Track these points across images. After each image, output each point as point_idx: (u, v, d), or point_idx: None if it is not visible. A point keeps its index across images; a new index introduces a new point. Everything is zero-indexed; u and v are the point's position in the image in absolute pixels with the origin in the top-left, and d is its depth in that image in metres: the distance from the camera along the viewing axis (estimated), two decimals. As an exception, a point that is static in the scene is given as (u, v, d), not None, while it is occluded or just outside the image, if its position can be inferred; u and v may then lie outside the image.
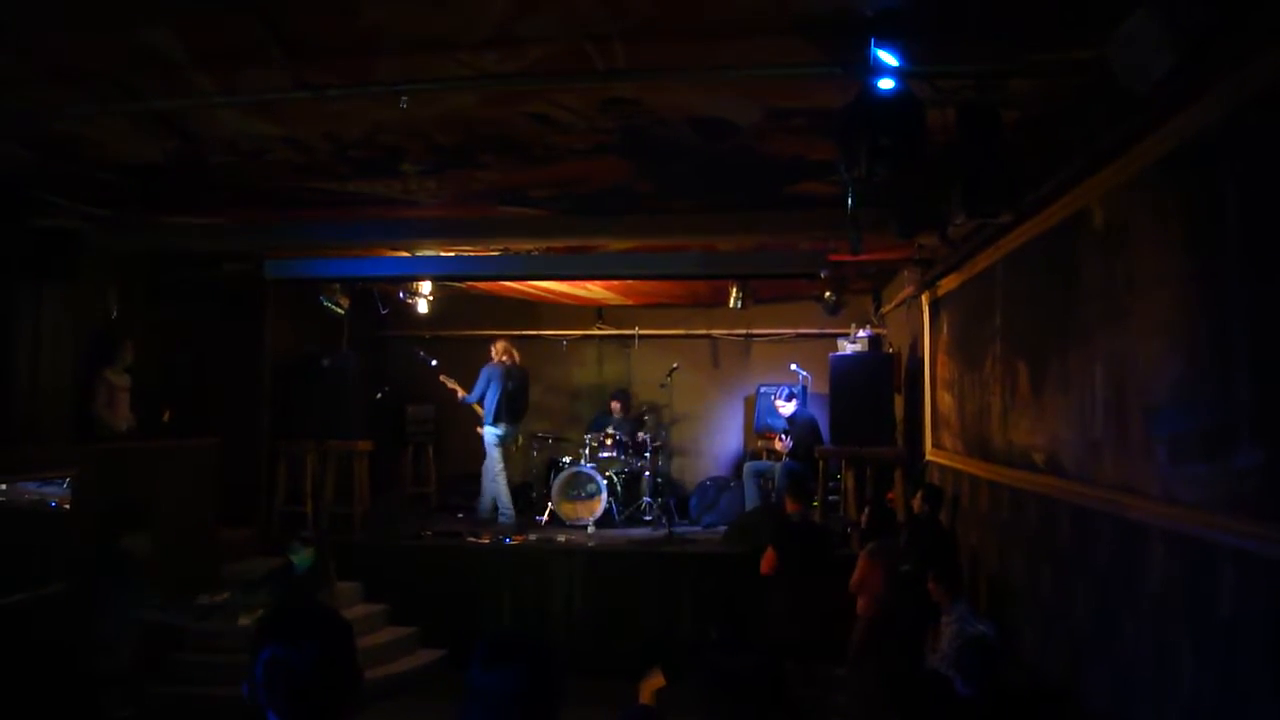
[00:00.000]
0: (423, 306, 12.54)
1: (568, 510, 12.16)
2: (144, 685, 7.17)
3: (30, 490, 7.78)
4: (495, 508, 12.42)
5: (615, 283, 12.09)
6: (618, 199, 8.30)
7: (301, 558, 8.19)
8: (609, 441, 12.80)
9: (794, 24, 4.75)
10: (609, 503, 12.24)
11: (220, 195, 8.40)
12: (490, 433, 12.35)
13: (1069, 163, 5.68)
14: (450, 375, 12.83)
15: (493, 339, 12.73)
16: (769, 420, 12.96)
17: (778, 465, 12.01)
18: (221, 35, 5.05)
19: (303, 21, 4.89)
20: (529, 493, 13.41)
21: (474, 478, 13.75)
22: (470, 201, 8.48)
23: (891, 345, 12.59)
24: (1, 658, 6.96)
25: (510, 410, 12.43)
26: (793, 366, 12.82)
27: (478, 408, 12.42)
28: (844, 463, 11.24)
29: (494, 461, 12.40)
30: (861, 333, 12.23)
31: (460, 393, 12.64)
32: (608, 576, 10.61)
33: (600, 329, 14.73)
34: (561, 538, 11.44)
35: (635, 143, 6.75)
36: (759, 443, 13.45)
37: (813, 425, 11.99)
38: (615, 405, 13.71)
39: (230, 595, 7.87)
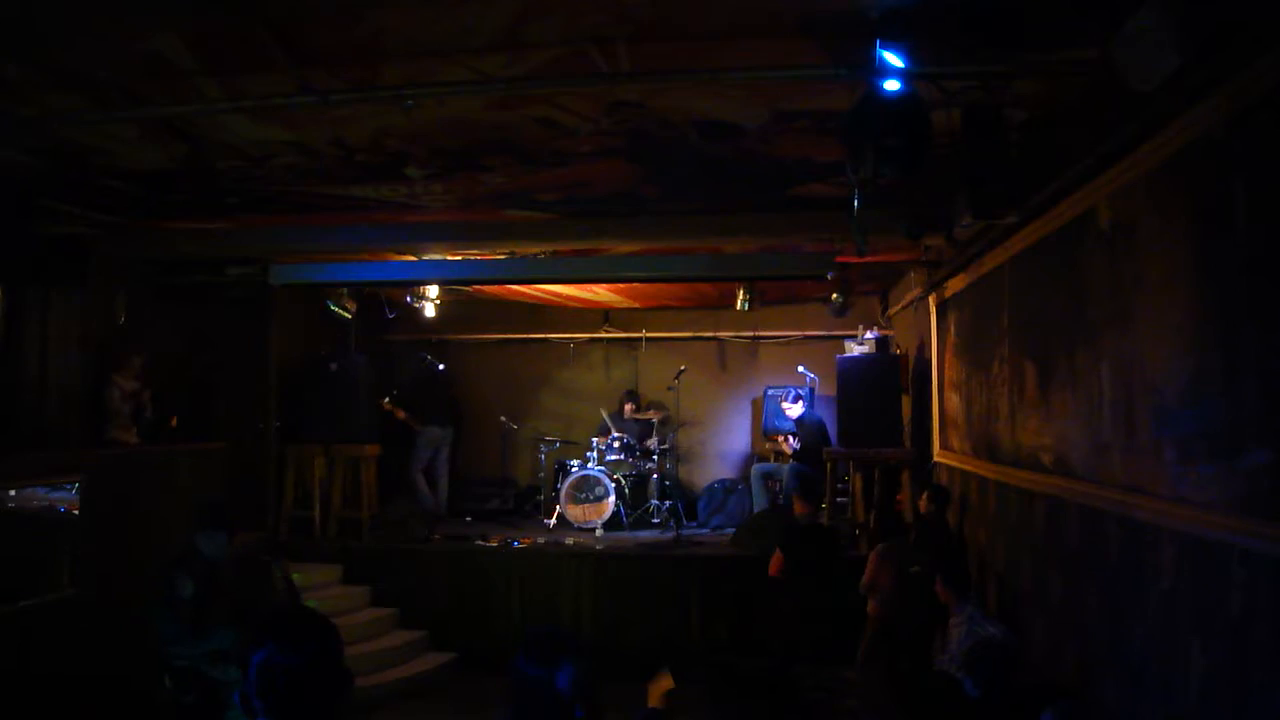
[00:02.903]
0: (429, 310, 12.54)
1: (576, 513, 12.17)
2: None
3: (40, 495, 7.80)
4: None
5: (622, 286, 12.10)
6: (624, 202, 8.30)
7: (216, 545, 6.48)
8: (617, 444, 12.82)
9: (799, 26, 4.75)
10: (617, 505, 12.26)
11: (227, 201, 8.42)
12: None
13: (1075, 163, 5.67)
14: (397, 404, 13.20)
15: (499, 343, 12.75)
16: (776, 422, 12.95)
17: (785, 467, 12.01)
18: (228, 42, 5.07)
19: (308, 27, 4.90)
20: (536, 495, 13.42)
21: (484, 480, 13.84)
22: (476, 205, 8.49)
23: (899, 347, 12.57)
24: (12, 662, 6.98)
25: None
26: (800, 368, 12.82)
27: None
28: (852, 465, 11.23)
29: None
30: (869, 334, 12.20)
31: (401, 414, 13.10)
32: (616, 579, 10.61)
33: (607, 332, 14.72)
34: (570, 541, 11.45)
35: (641, 146, 6.75)
36: (767, 445, 13.45)
37: (821, 427, 11.99)
38: (628, 407, 13.73)
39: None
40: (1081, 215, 5.93)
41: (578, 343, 14.78)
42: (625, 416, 13.66)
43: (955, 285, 9.56)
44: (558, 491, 12.49)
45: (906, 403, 11.87)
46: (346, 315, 11.35)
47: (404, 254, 10.24)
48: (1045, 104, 5.68)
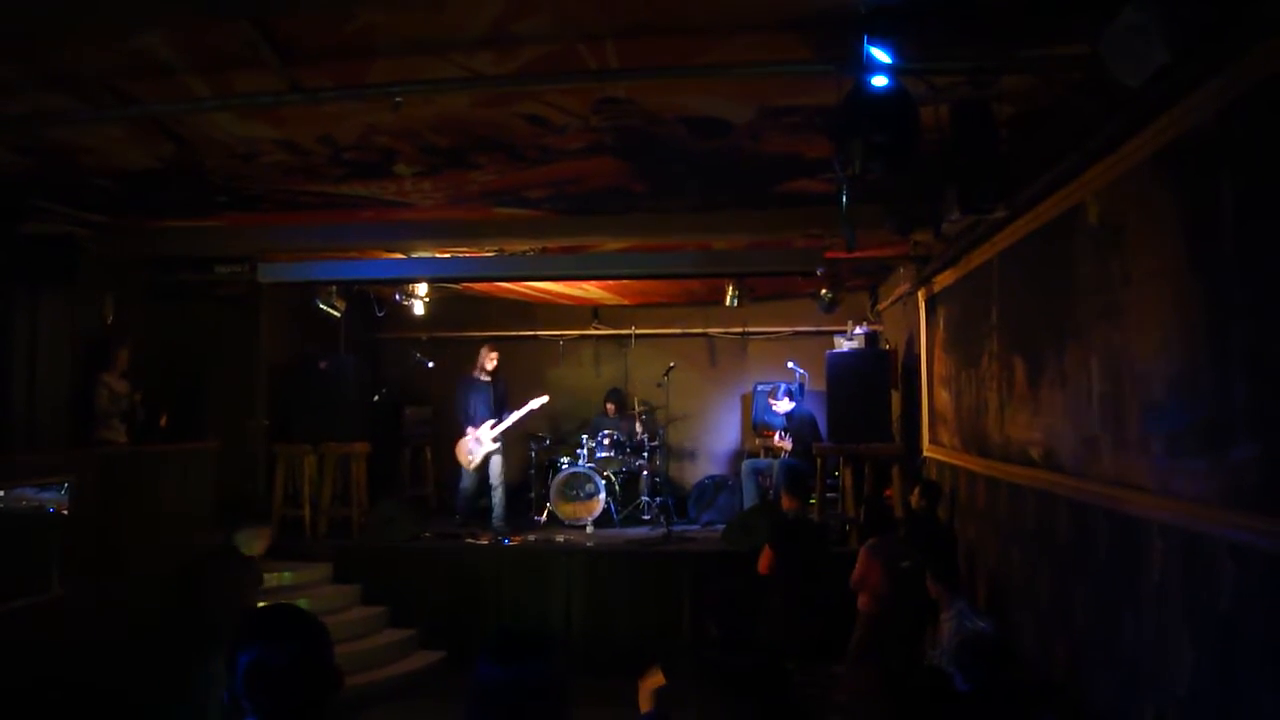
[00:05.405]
0: (419, 308, 12.54)
1: (566, 510, 12.16)
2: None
3: (28, 496, 7.78)
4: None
5: (611, 282, 12.09)
6: (613, 199, 8.30)
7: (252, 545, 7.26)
8: (607, 441, 12.81)
9: (787, 21, 4.75)
10: (607, 502, 12.25)
11: (215, 200, 8.40)
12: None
13: (1063, 158, 5.68)
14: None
15: (489, 340, 12.71)
16: (766, 418, 12.95)
17: (776, 463, 12.00)
18: (215, 39, 5.05)
19: (296, 25, 4.88)
20: (527, 493, 13.40)
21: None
22: (465, 202, 8.47)
23: (888, 342, 12.59)
24: (1, 664, 6.96)
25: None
26: (789, 364, 12.81)
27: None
28: (841, 460, 11.24)
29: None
30: (858, 329, 12.21)
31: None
32: (606, 576, 10.61)
33: (597, 329, 14.74)
34: (560, 538, 11.45)
35: (629, 142, 6.75)
36: (757, 441, 13.45)
37: (812, 421, 11.99)
38: (610, 407, 13.73)
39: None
40: (1070, 210, 5.95)
41: (567, 340, 14.80)
42: (609, 415, 13.67)
43: (944, 280, 9.58)
44: (548, 489, 12.49)
45: (896, 398, 11.90)
46: (336, 313, 11.33)
47: (393, 252, 10.23)
48: (1034, 99, 5.68)
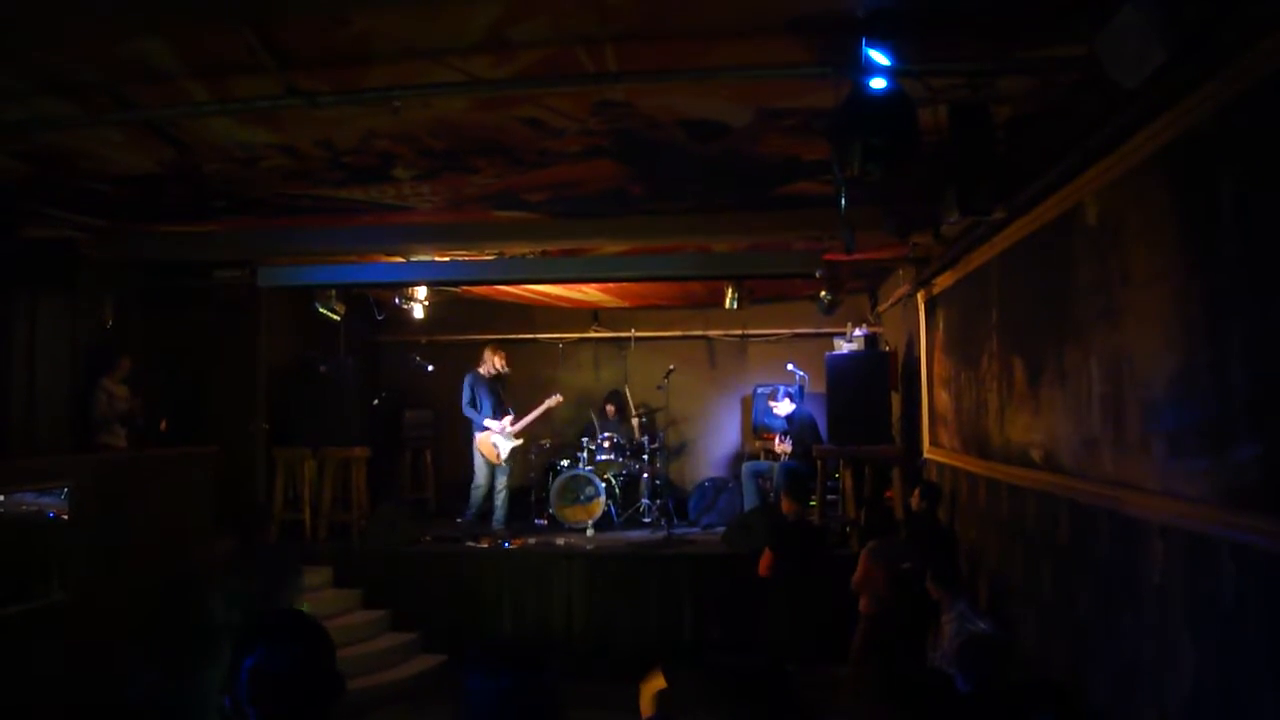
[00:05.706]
0: (418, 311, 12.52)
1: (566, 514, 12.17)
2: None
3: (28, 501, 7.77)
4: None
5: (611, 285, 12.09)
6: (611, 202, 8.29)
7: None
8: (607, 444, 12.81)
9: (785, 24, 4.75)
10: (608, 505, 12.25)
11: (214, 204, 8.40)
12: None
13: (1062, 159, 5.68)
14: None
15: (489, 343, 12.68)
16: (767, 420, 12.95)
17: (776, 465, 12.00)
18: (213, 44, 5.05)
19: (294, 29, 4.88)
20: (528, 496, 13.40)
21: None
22: (464, 206, 8.47)
23: (888, 344, 12.59)
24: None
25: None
26: (789, 366, 12.81)
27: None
28: (842, 462, 11.24)
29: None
30: (858, 331, 12.22)
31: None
32: (607, 579, 10.60)
33: (596, 331, 14.72)
34: (560, 541, 11.44)
35: (628, 145, 6.74)
36: (757, 443, 13.44)
37: (812, 424, 11.99)
38: (610, 410, 13.73)
39: None
40: (1069, 211, 5.95)
41: (567, 343, 14.77)
42: (609, 417, 13.67)
43: (943, 282, 9.58)
44: (548, 492, 12.49)
45: (896, 400, 11.90)
46: (335, 317, 11.32)
47: (392, 255, 10.23)
48: (1032, 100, 5.68)
